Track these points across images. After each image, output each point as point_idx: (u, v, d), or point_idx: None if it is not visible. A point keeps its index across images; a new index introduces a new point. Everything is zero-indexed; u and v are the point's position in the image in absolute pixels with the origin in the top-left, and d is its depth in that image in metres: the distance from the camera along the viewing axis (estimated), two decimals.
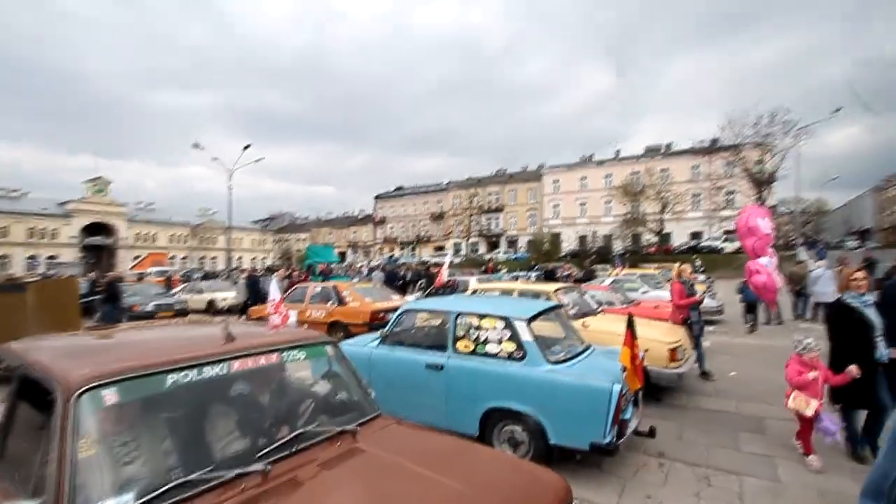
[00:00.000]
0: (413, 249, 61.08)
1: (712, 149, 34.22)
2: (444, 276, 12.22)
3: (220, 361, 2.06)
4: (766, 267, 3.96)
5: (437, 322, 4.77)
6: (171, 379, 1.88)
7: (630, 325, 3.62)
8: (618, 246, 38.99)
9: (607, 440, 3.40)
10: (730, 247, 34.34)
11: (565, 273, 18.79)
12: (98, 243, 55.89)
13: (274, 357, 2.31)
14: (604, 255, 35.42)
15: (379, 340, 4.69)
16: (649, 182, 40.55)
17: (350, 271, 27.59)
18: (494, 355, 3.94)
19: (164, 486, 1.58)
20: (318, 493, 1.76)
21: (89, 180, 55.99)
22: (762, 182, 31.87)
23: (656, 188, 39.43)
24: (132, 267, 40.66)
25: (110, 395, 1.71)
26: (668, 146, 49.01)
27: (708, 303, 12.15)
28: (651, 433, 3.95)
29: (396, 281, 17.12)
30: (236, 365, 2.12)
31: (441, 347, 4.21)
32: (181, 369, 1.92)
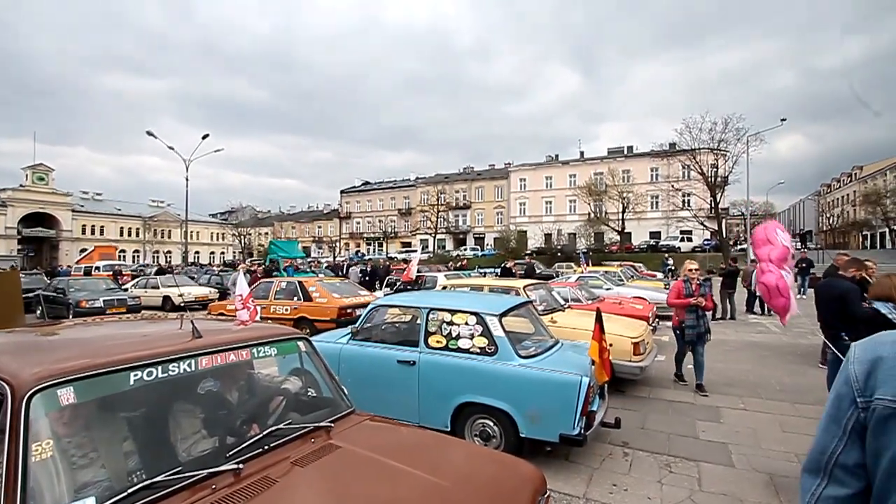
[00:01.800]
0: (380, 245, 60.52)
1: (670, 152, 35.63)
2: (412, 271, 12.15)
3: (186, 358, 1.96)
4: (784, 277, 3.90)
5: (408, 318, 4.74)
6: (133, 376, 1.77)
7: (599, 319, 3.72)
8: (581, 244, 40.04)
9: (576, 431, 3.48)
10: (686, 246, 35.97)
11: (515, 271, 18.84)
12: (39, 235, 52.21)
13: (243, 353, 2.22)
14: (568, 253, 36.30)
15: (349, 336, 4.61)
16: (612, 183, 41.89)
17: (314, 266, 26.97)
18: (466, 350, 3.96)
19: (128, 489, 1.49)
20: (293, 491, 1.71)
21: (28, 167, 52.05)
22: (716, 185, 33.49)
23: (618, 188, 40.77)
24: (78, 261, 38.16)
25: (66, 395, 1.59)
26: (630, 148, 50.72)
27: (664, 298, 12.73)
28: (616, 424, 4.08)
29: (377, 278, 16.94)
30: (204, 362, 2.02)
31: (413, 343, 4.19)
32: (144, 366, 1.81)
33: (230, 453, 1.80)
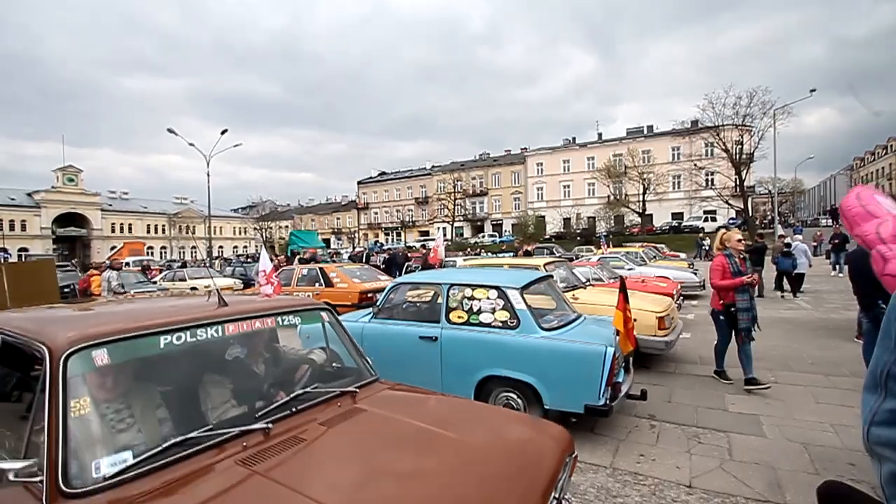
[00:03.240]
0: (398, 235, 60.79)
1: (692, 130, 34.56)
2: (440, 252, 11.80)
3: (213, 324, 1.99)
4: None
5: (428, 295, 4.75)
6: (164, 340, 1.81)
7: (623, 289, 3.65)
8: (601, 227, 39.43)
9: (602, 402, 3.45)
10: (710, 226, 35.03)
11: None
12: (71, 234, 54.17)
13: (269, 321, 2.25)
14: (588, 237, 35.81)
15: (371, 315, 4.65)
16: (631, 164, 40.97)
17: (333, 257, 27.33)
18: (488, 325, 3.94)
19: (163, 444, 1.54)
20: (322, 448, 1.73)
21: (59, 168, 53.93)
22: (741, 162, 32.44)
23: (638, 170, 39.87)
24: (109, 258, 39.55)
25: (101, 356, 1.64)
26: (650, 128, 49.42)
27: (690, 277, 12.47)
28: (643, 396, 4.03)
29: (395, 266, 17.06)
30: (231, 328, 2.05)
31: (434, 319, 4.20)
32: (174, 331, 1.85)
33: (259, 414, 1.83)
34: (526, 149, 55.77)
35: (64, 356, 1.56)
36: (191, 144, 28.93)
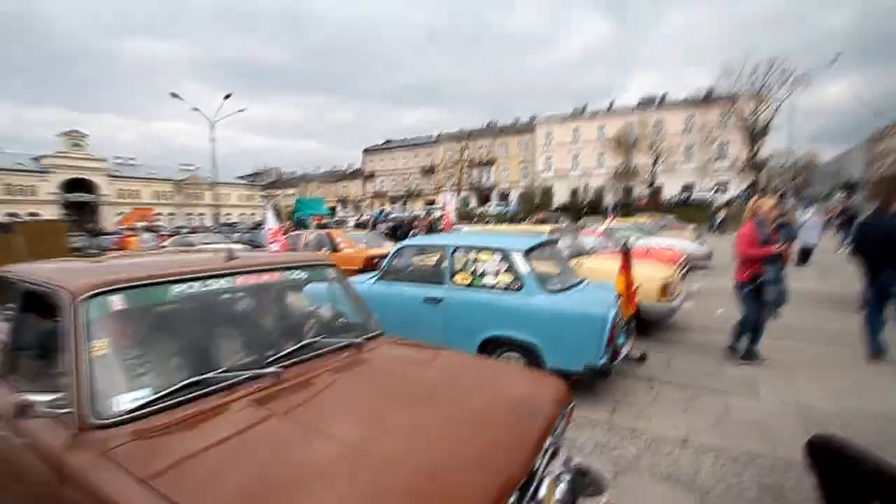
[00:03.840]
0: (404, 203, 60.60)
1: (707, 99, 33.61)
2: (451, 216, 11.56)
3: (222, 276, 2.05)
4: None
5: (433, 257, 4.80)
6: (175, 289, 1.88)
7: (626, 253, 3.67)
8: (610, 198, 39.04)
9: (601, 363, 3.53)
10: (721, 199, 34.58)
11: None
12: (81, 200, 54.48)
13: (276, 276, 2.32)
14: (596, 208, 35.51)
15: (376, 277, 4.72)
16: (643, 134, 40.10)
17: (342, 228, 27.47)
18: (492, 287, 4.00)
19: (180, 381, 1.62)
20: (330, 393, 1.81)
21: (64, 133, 53.62)
22: (756, 134, 31.67)
23: (649, 140, 39.06)
24: (117, 223, 39.95)
25: (117, 302, 1.71)
26: (663, 97, 48.08)
27: (697, 248, 12.43)
28: (642, 358, 4.11)
29: (400, 233, 17.20)
30: (239, 280, 2.12)
31: (438, 281, 4.26)
32: (184, 281, 1.91)
33: (268, 360, 1.90)
34: (535, 117, 54.60)
35: (84, 300, 1.63)
36: (195, 109, 28.61)
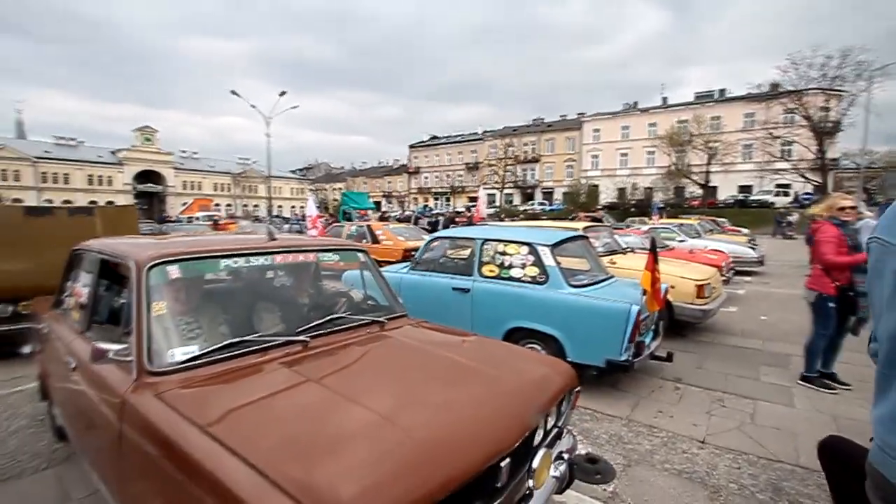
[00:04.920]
0: (447, 200, 61.02)
1: (770, 95, 31.47)
2: (482, 210, 11.71)
3: (263, 254, 2.31)
4: None
5: (463, 249, 4.95)
6: (223, 263, 2.15)
7: (652, 248, 3.67)
8: (658, 198, 37.49)
9: (623, 358, 3.56)
10: (781, 201, 32.39)
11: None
12: (150, 190, 58.86)
13: (311, 256, 2.55)
14: (643, 208, 34.28)
15: (409, 267, 4.93)
16: (698, 131, 38.13)
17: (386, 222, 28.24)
18: (518, 279, 4.10)
19: (221, 342, 1.87)
20: (352, 360, 2.02)
21: (137, 129, 58.28)
22: (825, 132, 29.38)
23: (704, 137, 37.08)
24: (181, 212, 42.99)
25: (173, 271, 1.99)
26: (722, 92, 45.47)
27: (747, 252, 11.83)
28: (669, 358, 4.08)
29: (440, 227, 17.54)
30: (278, 258, 2.37)
31: (467, 272, 4.41)
32: (231, 256, 2.18)
33: (298, 330, 2.13)
34: (583, 114, 53.25)
35: (146, 268, 1.91)
36: (252, 106, 30.17)
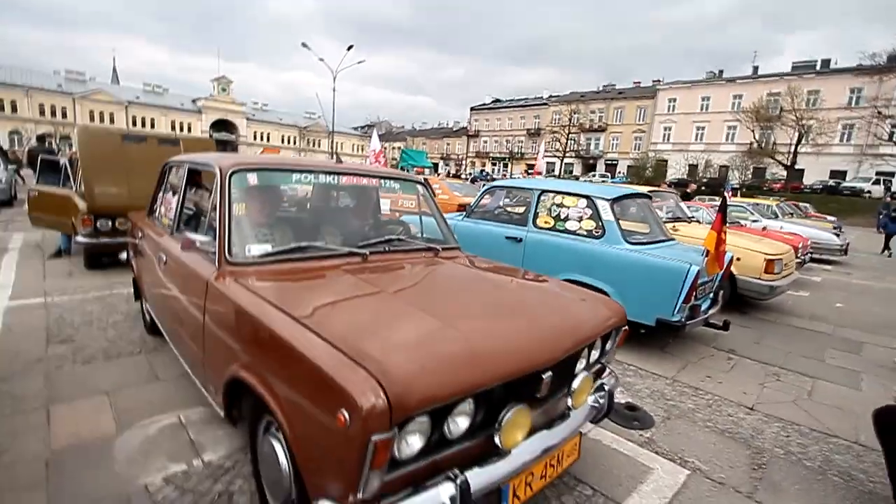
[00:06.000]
0: (505, 165, 59.91)
1: (886, 67, 27.52)
2: (541, 164, 11.23)
3: (330, 173, 2.45)
4: None
5: (520, 199, 4.92)
6: (294, 177, 2.31)
7: (723, 209, 3.47)
8: (734, 177, 34.65)
9: (676, 318, 3.47)
10: (877, 190, 28.93)
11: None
12: (225, 138, 62.34)
13: (373, 182, 2.67)
14: (715, 187, 31.90)
15: (464, 215, 4.99)
16: (790, 106, 34.31)
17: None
18: (573, 232, 4.05)
19: (290, 245, 2.05)
20: (409, 276, 2.15)
21: (215, 79, 61.28)
22: None
23: (797, 113, 33.33)
24: None
25: (252, 178, 2.17)
26: (826, 63, 40.29)
27: (830, 239, 10.82)
28: (725, 326, 3.93)
29: None
30: (343, 179, 2.50)
31: (521, 222, 4.40)
32: (301, 172, 2.33)
33: (360, 244, 2.27)
34: (659, 81, 49.41)
35: (229, 174, 2.09)
36: (320, 60, 30.66)
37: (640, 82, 53.25)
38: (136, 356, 3.16)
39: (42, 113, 48.99)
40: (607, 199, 3.93)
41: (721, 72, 46.44)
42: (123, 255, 3.86)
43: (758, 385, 3.48)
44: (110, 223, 5.06)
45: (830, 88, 36.87)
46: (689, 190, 14.35)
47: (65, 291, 4.50)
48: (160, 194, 3.10)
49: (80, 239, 5.08)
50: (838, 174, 35.28)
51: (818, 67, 40.14)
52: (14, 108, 47.55)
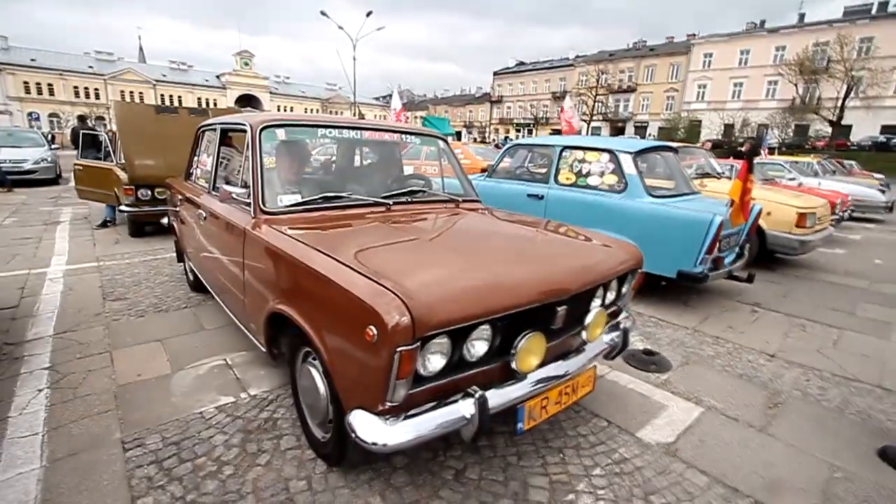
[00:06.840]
0: (529, 132, 58.48)
1: None
2: (574, 122, 10.52)
3: (353, 129, 2.55)
4: None
5: (541, 157, 4.91)
6: (320, 132, 2.42)
7: (749, 157, 3.40)
8: (773, 136, 32.81)
9: (698, 270, 3.48)
10: None
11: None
12: (247, 112, 63.17)
13: (396, 136, 2.75)
14: (753, 147, 30.33)
15: (486, 176, 5.03)
16: (839, 56, 31.84)
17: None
18: (595, 187, 4.05)
19: (319, 194, 2.18)
20: (432, 223, 2.25)
21: (237, 53, 61.50)
22: None
23: (848, 63, 30.94)
24: None
25: (280, 133, 2.29)
26: (883, 6, 36.89)
27: (874, 196, 10.30)
28: (749, 279, 3.90)
29: None
30: (366, 134, 2.60)
31: (543, 179, 4.42)
32: (327, 127, 2.44)
33: (382, 196, 2.38)
34: (694, 35, 46.56)
35: (259, 129, 2.22)
36: (340, 28, 30.27)
37: (672, 38, 50.31)
38: (182, 310, 3.43)
39: (77, 95, 50.54)
40: (630, 153, 3.89)
41: (763, 22, 43.31)
42: (165, 220, 4.11)
43: (781, 335, 3.49)
44: (150, 192, 5.35)
45: (886, 35, 33.89)
46: (743, 149, 13.67)
47: (113, 257, 4.85)
48: (196, 157, 3.28)
49: (123, 208, 5.41)
50: (891, 129, 32.89)
51: (874, 12, 36.86)
52: (51, 92, 49.21)
